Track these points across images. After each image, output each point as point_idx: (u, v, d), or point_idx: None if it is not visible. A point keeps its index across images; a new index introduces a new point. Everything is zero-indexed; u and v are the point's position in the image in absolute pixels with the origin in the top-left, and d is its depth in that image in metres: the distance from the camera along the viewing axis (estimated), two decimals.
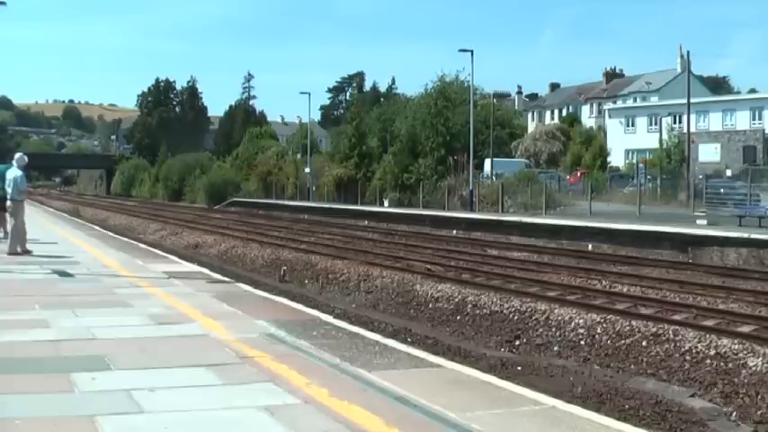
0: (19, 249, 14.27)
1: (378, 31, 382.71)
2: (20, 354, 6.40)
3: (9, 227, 17.31)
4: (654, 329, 10.73)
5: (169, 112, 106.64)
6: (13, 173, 14.43)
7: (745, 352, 9.49)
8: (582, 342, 11.14)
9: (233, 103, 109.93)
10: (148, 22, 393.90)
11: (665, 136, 50.02)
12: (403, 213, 37.26)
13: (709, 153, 51.97)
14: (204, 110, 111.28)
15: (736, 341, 9.86)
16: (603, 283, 15.40)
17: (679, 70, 66.58)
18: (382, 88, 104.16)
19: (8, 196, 14.44)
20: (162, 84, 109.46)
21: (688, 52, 56.09)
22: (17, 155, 15.12)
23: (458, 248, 23.74)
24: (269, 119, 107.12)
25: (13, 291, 10.02)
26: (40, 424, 4.60)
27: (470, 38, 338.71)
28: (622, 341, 10.74)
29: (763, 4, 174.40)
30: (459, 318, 13.45)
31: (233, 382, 5.65)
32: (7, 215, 17.34)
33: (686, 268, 18.37)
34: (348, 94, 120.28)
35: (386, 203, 44.73)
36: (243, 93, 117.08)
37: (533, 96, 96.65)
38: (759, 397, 8.48)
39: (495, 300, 13.58)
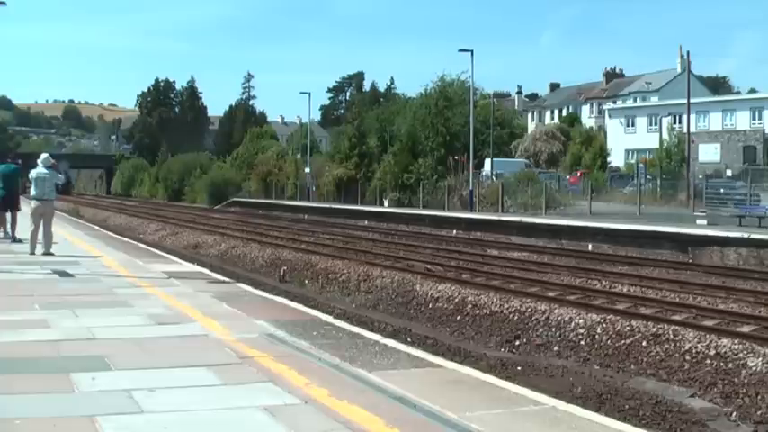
0: (43, 249, 14.30)
1: (377, 31, 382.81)
2: (20, 354, 6.39)
3: (8, 226, 17.40)
4: (654, 329, 10.73)
5: (169, 112, 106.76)
6: (42, 172, 14.27)
7: (745, 352, 9.48)
8: (582, 342, 11.14)
9: (233, 103, 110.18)
10: (148, 22, 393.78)
11: (665, 136, 50.03)
12: (403, 213, 37.26)
13: (709, 153, 52.03)
14: (204, 110, 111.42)
15: (736, 341, 9.85)
16: (603, 283, 15.39)
17: (679, 70, 66.60)
18: (381, 88, 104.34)
19: (45, 196, 14.34)
20: (162, 84, 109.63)
21: (688, 52, 56.05)
22: (43, 155, 14.97)
23: (458, 248, 23.74)
24: (269, 119, 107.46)
25: (13, 291, 10.00)
26: (40, 424, 4.60)
27: (470, 38, 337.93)
28: (622, 341, 10.73)
29: (764, 4, 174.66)
30: (459, 318, 13.45)
31: (233, 382, 5.64)
32: (8, 215, 17.39)
33: (686, 268, 18.37)
34: (348, 94, 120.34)
35: (386, 203, 44.72)
36: (243, 93, 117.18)
37: (533, 96, 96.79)
38: (759, 397, 8.48)
39: (495, 300, 13.57)
